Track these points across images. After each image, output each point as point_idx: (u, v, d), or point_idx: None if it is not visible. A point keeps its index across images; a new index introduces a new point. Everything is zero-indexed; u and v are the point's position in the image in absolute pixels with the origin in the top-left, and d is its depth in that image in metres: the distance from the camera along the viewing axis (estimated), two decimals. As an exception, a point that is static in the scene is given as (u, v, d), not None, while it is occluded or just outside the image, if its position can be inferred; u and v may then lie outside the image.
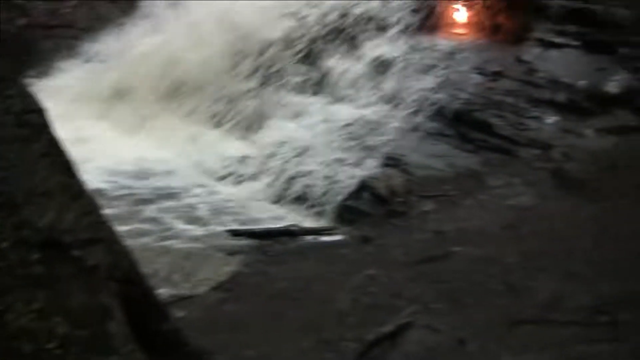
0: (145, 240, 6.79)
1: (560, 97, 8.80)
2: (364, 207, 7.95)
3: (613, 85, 8.64)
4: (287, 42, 10.31)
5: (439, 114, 9.24)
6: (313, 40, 10.34)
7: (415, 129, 9.20)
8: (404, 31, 10.43)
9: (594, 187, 6.64)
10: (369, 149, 8.95)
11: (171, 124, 9.53)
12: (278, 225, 7.73)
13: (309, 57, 10.29)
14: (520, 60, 9.48)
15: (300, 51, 10.29)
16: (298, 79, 10.19)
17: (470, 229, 6.65)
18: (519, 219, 6.46)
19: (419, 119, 9.35)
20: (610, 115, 8.46)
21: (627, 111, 8.37)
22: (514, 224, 6.19)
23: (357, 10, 10.49)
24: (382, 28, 10.41)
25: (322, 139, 9.21)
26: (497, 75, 9.42)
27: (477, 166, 8.39)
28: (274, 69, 10.21)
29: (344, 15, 10.44)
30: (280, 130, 9.55)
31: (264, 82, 10.11)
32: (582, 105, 8.67)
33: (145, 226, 7.33)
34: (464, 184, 8.10)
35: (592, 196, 6.64)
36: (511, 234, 5.81)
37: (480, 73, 9.58)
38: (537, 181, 7.72)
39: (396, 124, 9.36)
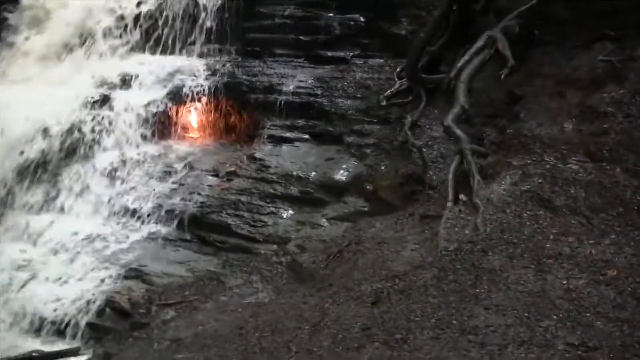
0: None
1: (294, 190, 9.21)
2: (107, 323, 7.97)
3: (342, 174, 9.18)
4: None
5: (177, 219, 9.47)
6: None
7: (154, 237, 9.37)
8: (136, 140, 10.37)
9: (322, 276, 6.94)
10: (111, 263, 9.03)
11: None
12: (17, 354, 7.57)
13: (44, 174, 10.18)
14: (253, 158, 9.86)
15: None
16: (32, 198, 10.06)
17: (206, 333, 6.79)
18: (252, 316, 6.62)
19: (158, 227, 9.58)
20: (342, 203, 8.94)
21: (356, 197, 8.83)
22: (246, 322, 6.41)
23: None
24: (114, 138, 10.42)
25: (59, 257, 9.09)
26: (231, 175, 9.78)
27: (217, 268, 8.59)
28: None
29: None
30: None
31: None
32: (315, 195, 9.09)
33: None
34: (204, 287, 8.27)
35: (319, 285, 6.94)
36: (239, 333, 6.00)
37: (214, 175, 9.96)
38: (274, 276, 8.07)
39: (136, 235, 9.50)
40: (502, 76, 7.52)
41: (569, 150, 6.52)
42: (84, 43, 11.67)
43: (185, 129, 11.01)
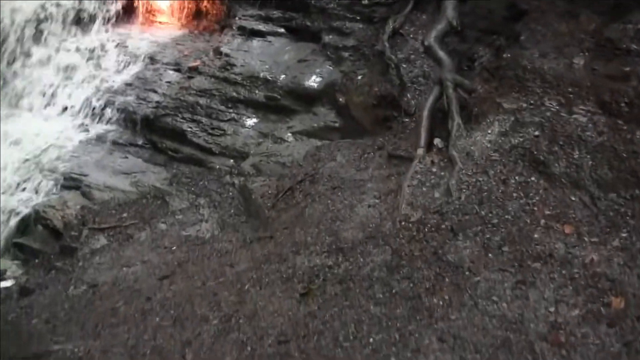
0: None
1: (259, 95, 7.62)
2: (36, 245, 6.67)
3: (315, 80, 7.50)
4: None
5: (129, 120, 7.92)
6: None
7: (102, 140, 7.84)
8: (96, 26, 8.91)
9: (266, 219, 5.33)
10: (49, 170, 7.50)
11: None
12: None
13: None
14: (219, 53, 8.17)
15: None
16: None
17: (125, 282, 5.51)
18: (179, 265, 5.42)
19: (107, 127, 8.08)
20: (312, 114, 7.36)
21: (327, 109, 7.26)
22: (165, 281, 5.22)
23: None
24: (76, 22, 8.91)
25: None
26: (192, 71, 8.08)
27: (164, 184, 7.20)
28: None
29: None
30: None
31: None
32: (282, 103, 7.50)
33: None
34: (145, 209, 6.92)
35: (260, 232, 5.58)
36: (145, 307, 4.65)
37: (176, 69, 8.33)
38: (222, 202, 6.66)
39: (81, 136, 7.99)
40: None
41: (576, 95, 4.72)
42: None
43: (150, 13, 9.29)
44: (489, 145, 4.59)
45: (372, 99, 6.33)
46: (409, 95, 6.11)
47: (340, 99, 7.05)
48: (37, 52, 8.60)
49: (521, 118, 4.69)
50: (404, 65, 6.35)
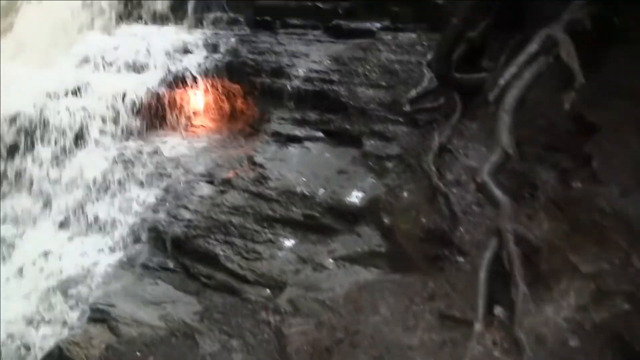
0: None
1: (297, 213, 6.79)
2: None
3: (356, 195, 6.70)
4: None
5: (160, 240, 7.14)
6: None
7: (132, 262, 7.12)
8: (117, 134, 7.89)
9: None
10: (75, 298, 6.90)
11: None
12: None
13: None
14: (252, 163, 7.40)
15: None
16: None
17: None
18: None
19: (138, 248, 7.30)
20: (355, 235, 6.47)
21: (371, 229, 6.37)
22: None
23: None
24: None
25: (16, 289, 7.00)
26: (226, 184, 7.32)
27: (194, 320, 6.34)
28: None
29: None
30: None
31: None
32: (322, 222, 6.67)
33: None
34: (174, 350, 6.11)
35: None
36: None
37: (208, 181, 7.57)
38: (257, 346, 5.82)
39: (110, 259, 7.27)
40: (567, 104, 4.24)
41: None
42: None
43: (180, 118, 8.64)
44: (564, 324, 3.59)
45: (419, 230, 5.37)
46: (461, 228, 5.15)
47: (385, 220, 6.21)
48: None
49: (604, 285, 3.60)
50: (454, 190, 5.38)
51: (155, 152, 7.99)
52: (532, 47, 4.89)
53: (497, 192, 4.45)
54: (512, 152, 4.58)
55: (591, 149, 4.59)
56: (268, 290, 6.36)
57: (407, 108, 6.58)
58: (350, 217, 6.53)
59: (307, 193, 6.85)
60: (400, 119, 7.05)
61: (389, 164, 6.70)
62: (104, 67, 8.38)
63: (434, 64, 6.21)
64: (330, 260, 6.34)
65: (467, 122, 6.02)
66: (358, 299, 5.24)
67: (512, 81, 4.76)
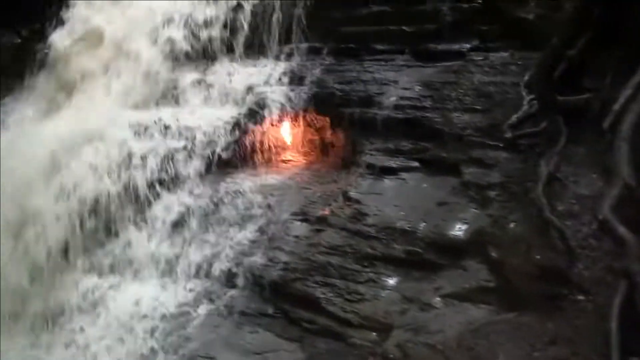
0: None
1: (398, 249, 6.45)
2: None
3: (459, 228, 6.31)
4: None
5: (257, 284, 6.88)
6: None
7: (229, 310, 6.86)
8: (210, 170, 7.81)
9: None
10: (174, 349, 6.65)
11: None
12: None
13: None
14: (347, 199, 7.09)
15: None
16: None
17: None
18: None
19: (235, 293, 7.02)
20: (460, 270, 6.06)
21: (477, 262, 5.95)
22: None
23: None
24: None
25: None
26: (322, 222, 7.01)
27: (300, 370, 5.61)
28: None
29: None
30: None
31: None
32: (424, 257, 6.32)
33: None
34: (280, 402, 5.33)
35: None
36: None
37: (302, 219, 7.24)
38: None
39: (208, 307, 7.01)
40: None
41: None
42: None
43: (269, 154, 8.28)
44: None
45: (531, 266, 4.88)
46: (580, 265, 4.64)
47: (493, 254, 5.80)
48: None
49: None
50: (568, 223, 4.80)
51: (247, 190, 7.44)
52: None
53: (622, 230, 3.99)
54: (635, 184, 4.03)
55: None
56: (374, 334, 6.01)
57: (508, 134, 6.10)
58: (454, 251, 6.14)
59: (407, 228, 6.50)
60: (500, 144, 6.62)
61: (492, 193, 6.29)
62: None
63: (534, 86, 5.77)
64: (438, 299, 5.94)
65: (573, 146, 5.56)
66: (472, 344, 4.73)
67: (628, 105, 4.22)
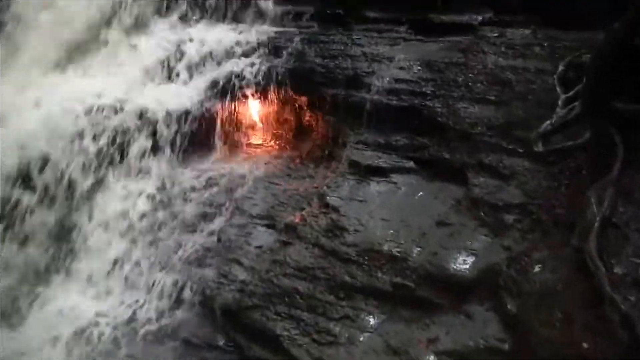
0: None
1: (383, 280, 4.87)
2: None
3: (464, 261, 4.69)
4: None
5: (207, 306, 5.34)
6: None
7: (170, 335, 5.34)
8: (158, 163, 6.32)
9: None
10: None
11: None
12: None
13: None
14: (324, 204, 5.54)
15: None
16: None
17: None
18: None
19: (179, 315, 5.48)
20: (464, 316, 4.50)
21: (487, 310, 4.38)
22: None
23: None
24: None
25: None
26: (290, 232, 5.48)
27: None
28: None
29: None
30: None
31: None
32: (417, 294, 4.69)
33: None
34: None
35: None
36: None
37: (268, 225, 5.71)
38: None
39: (145, 327, 5.46)
40: None
41: None
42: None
43: (234, 138, 6.60)
44: None
45: (568, 346, 3.23)
46: None
47: (509, 306, 4.22)
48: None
49: None
50: (632, 298, 2.97)
51: (204, 184, 5.71)
52: None
53: None
54: None
55: None
56: (347, 395, 4.24)
57: (539, 148, 4.37)
58: (456, 290, 4.58)
59: (396, 253, 4.93)
60: (520, 149, 5.03)
61: (509, 218, 4.71)
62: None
63: (585, 85, 3.89)
64: (432, 356, 4.40)
65: (633, 173, 3.67)
66: None
67: None
